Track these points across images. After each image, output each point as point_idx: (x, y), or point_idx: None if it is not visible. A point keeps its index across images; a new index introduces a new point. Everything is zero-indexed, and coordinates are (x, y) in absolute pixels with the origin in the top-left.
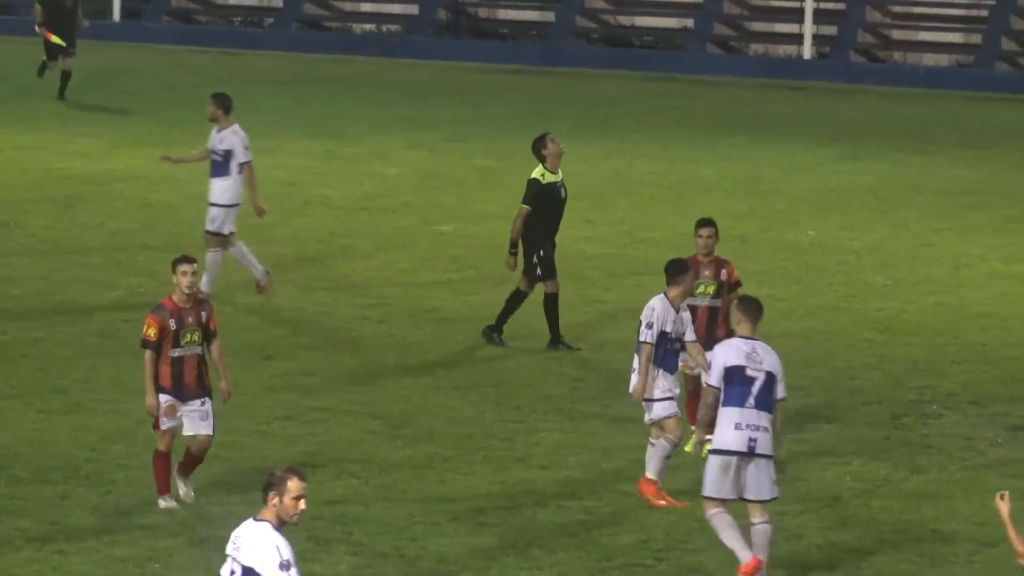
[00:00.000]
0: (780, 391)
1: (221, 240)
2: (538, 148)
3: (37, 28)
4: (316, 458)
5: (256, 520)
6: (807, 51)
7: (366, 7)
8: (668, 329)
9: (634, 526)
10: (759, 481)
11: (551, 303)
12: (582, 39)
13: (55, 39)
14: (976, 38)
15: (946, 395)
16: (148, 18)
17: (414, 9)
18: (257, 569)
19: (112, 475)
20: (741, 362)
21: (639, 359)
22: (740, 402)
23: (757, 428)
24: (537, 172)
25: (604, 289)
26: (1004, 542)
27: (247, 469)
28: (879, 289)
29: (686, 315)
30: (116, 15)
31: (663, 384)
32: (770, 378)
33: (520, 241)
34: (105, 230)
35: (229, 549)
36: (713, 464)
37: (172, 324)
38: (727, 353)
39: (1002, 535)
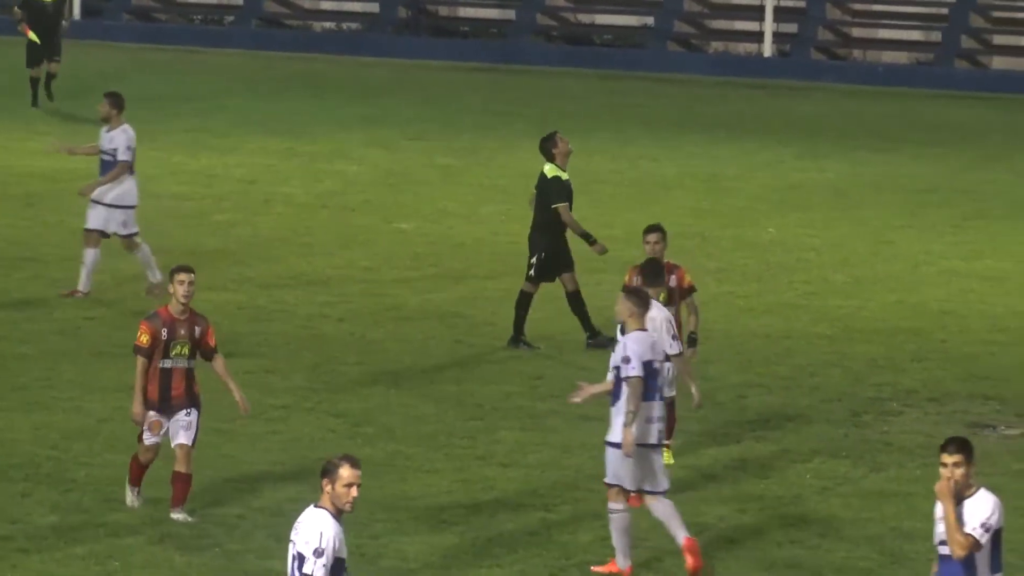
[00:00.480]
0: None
1: (129, 243)
2: (548, 147)
3: (20, 26)
4: (276, 456)
5: (314, 506)
6: (767, 49)
7: (326, 5)
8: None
9: (594, 524)
10: (658, 472)
11: (525, 301)
12: (542, 37)
13: (32, 36)
14: (936, 36)
15: (906, 392)
16: (108, 16)
17: (375, 7)
18: (303, 553)
19: (73, 473)
20: (650, 355)
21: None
22: (652, 396)
23: (662, 420)
24: (552, 170)
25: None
26: None
27: (207, 468)
28: (839, 286)
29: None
30: (77, 13)
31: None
32: (662, 367)
33: (538, 238)
34: (65, 228)
35: (292, 534)
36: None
37: (164, 334)
38: (642, 346)
39: None
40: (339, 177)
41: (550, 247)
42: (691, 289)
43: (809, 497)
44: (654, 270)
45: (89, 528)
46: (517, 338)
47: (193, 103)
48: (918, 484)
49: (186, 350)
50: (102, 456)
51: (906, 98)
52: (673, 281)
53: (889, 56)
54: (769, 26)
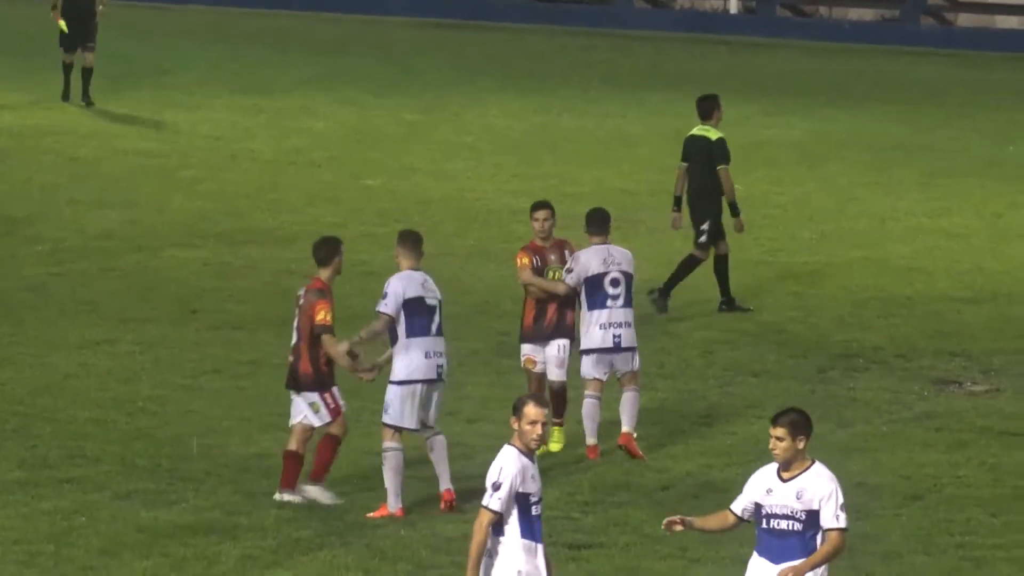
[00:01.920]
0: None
1: None
2: (710, 108)
3: (52, 12)
4: (243, 412)
5: (507, 444)
6: (733, 5)
7: None
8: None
9: (561, 480)
10: (434, 408)
11: (693, 265)
12: None
13: (62, 24)
14: None
15: (872, 349)
16: None
17: None
18: (485, 485)
19: (39, 429)
20: (419, 292)
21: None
22: (425, 332)
23: (442, 355)
24: (714, 132)
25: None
26: (930, 495)
27: (173, 423)
28: (805, 243)
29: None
30: None
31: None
32: (441, 305)
33: (687, 203)
34: (33, 184)
35: None
36: (402, 393)
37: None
38: (404, 283)
39: (927, 488)
40: (305, 133)
41: (719, 212)
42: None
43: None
44: (598, 218)
45: (55, 484)
46: (730, 301)
47: (159, 60)
48: (884, 440)
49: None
50: (67, 412)
51: (872, 55)
52: (568, 255)
53: (855, 13)
54: None
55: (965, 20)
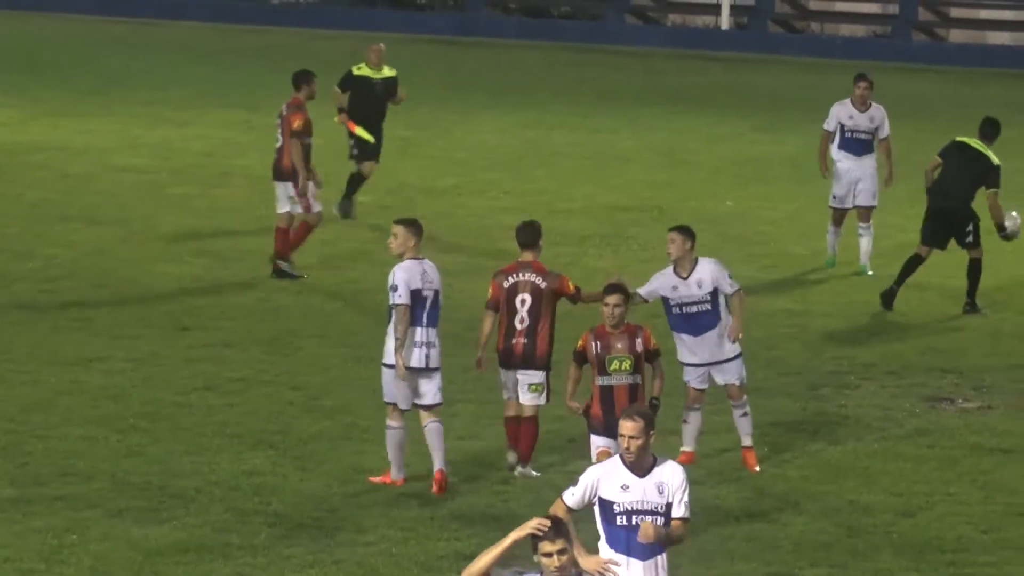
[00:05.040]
0: (439, 301)
1: None
2: (994, 132)
3: (337, 118)
4: (233, 429)
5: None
6: (725, 21)
7: None
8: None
9: (552, 497)
10: (427, 390)
11: (979, 266)
12: (499, 9)
13: (360, 132)
14: (893, 8)
15: (864, 366)
16: None
17: None
18: None
19: (30, 446)
20: (418, 285)
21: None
22: (418, 322)
23: (433, 345)
24: (996, 157)
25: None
26: (922, 512)
27: (164, 440)
28: (798, 259)
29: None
30: None
31: None
32: (437, 296)
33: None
34: (24, 201)
35: None
36: (389, 375)
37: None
38: (409, 274)
39: (919, 505)
40: None
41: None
42: (656, 352)
43: (767, 470)
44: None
45: (46, 501)
46: (973, 303)
47: (151, 76)
48: (876, 458)
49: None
50: (59, 429)
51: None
52: (639, 345)
53: (847, 29)
54: None
55: (957, 36)
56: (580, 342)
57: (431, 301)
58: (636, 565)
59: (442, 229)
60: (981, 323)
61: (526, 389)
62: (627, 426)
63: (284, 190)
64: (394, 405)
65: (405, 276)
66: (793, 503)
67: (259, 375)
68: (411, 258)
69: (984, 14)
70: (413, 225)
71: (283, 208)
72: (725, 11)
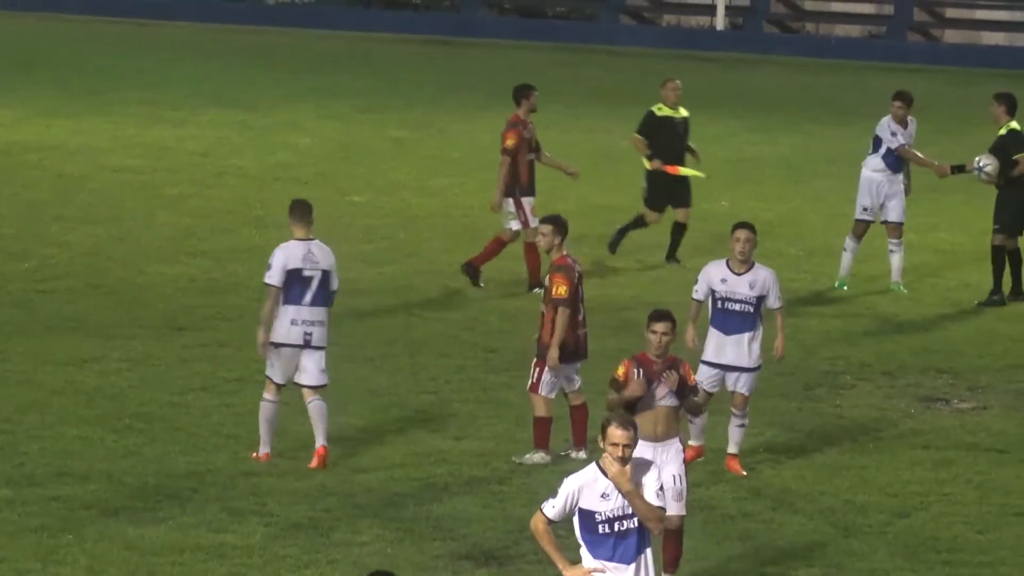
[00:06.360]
0: (335, 282)
1: None
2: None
3: (649, 165)
4: (229, 429)
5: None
6: (720, 22)
7: None
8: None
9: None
10: (307, 370)
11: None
12: (495, 10)
13: (687, 171)
14: (888, 9)
15: (859, 366)
16: None
17: None
18: None
19: (26, 446)
20: (298, 264)
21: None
22: (297, 301)
23: (312, 324)
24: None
25: (516, 259)
26: (917, 512)
27: (160, 440)
28: (793, 259)
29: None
30: None
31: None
32: (326, 276)
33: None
34: (20, 200)
35: None
36: (272, 353)
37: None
38: (286, 254)
39: (914, 505)
40: (292, 150)
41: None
42: (694, 390)
43: (762, 470)
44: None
45: (42, 501)
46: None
47: (145, 76)
48: (871, 457)
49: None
50: (54, 429)
51: (859, 71)
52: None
53: (842, 29)
54: None
55: (952, 36)
56: (620, 369)
57: (318, 281)
58: (622, 570)
59: (437, 229)
60: (976, 323)
61: (575, 377)
62: (620, 434)
63: (507, 207)
64: (271, 380)
65: (281, 256)
66: (788, 503)
67: (254, 375)
68: (295, 239)
69: (979, 15)
70: (294, 209)
71: (508, 224)
72: (720, 11)
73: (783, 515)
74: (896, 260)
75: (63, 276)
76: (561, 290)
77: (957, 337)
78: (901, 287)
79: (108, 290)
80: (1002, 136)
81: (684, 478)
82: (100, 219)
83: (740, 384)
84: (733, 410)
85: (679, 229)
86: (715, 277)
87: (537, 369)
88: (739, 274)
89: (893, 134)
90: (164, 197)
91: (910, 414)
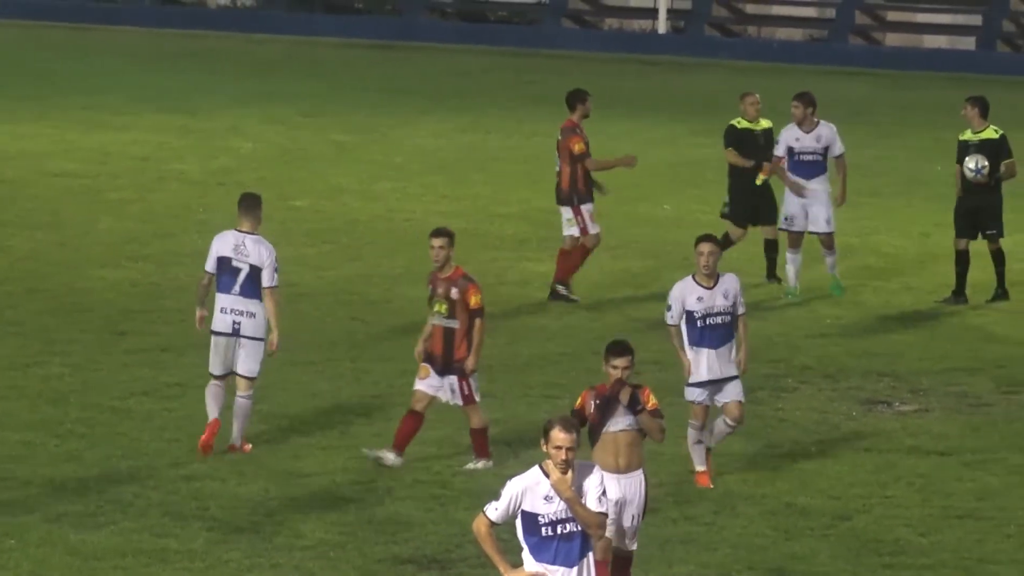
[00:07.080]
0: (267, 279)
1: None
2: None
3: (762, 173)
4: (171, 434)
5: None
6: (662, 25)
7: None
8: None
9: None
10: (240, 359)
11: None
12: (437, 14)
13: (764, 179)
14: (830, 12)
15: (800, 369)
16: None
17: None
18: None
19: None
20: (228, 253)
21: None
22: (227, 289)
23: (242, 313)
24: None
25: (459, 263)
26: (859, 515)
27: (102, 445)
28: (734, 263)
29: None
30: None
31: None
32: (256, 271)
33: None
34: None
35: None
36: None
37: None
38: (218, 244)
39: (856, 508)
40: (233, 154)
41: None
42: (657, 413)
43: None
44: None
45: None
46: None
47: (87, 81)
48: (813, 460)
49: (444, 308)
50: None
51: (800, 75)
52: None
53: (783, 32)
54: (663, 2)
55: (893, 40)
56: (579, 400)
57: (245, 273)
58: (564, 573)
59: (379, 233)
60: (917, 326)
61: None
62: (563, 437)
63: (565, 214)
64: (211, 373)
65: (215, 244)
66: (730, 506)
67: (196, 380)
68: (235, 230)
69: (920, 18)
70: (241, 202)
71: (568, 231)
72: (662, 15)
73: (725, 518)
74: (792, 269)
75: (3, 281)
76: (478, 299)
77: (898, 340)
78: (796, 293)
79: (49, 295)
80: (994, 140)
81: (642, 516)
82: (40, 224)
83: (731, 393)
84: (727, 421)
85: (771, 246)
86: (689, 296)
87: (463, 383)
88: (710, 288)
89: (785, 141)
90: (105, 202)
91: (852, 417)
